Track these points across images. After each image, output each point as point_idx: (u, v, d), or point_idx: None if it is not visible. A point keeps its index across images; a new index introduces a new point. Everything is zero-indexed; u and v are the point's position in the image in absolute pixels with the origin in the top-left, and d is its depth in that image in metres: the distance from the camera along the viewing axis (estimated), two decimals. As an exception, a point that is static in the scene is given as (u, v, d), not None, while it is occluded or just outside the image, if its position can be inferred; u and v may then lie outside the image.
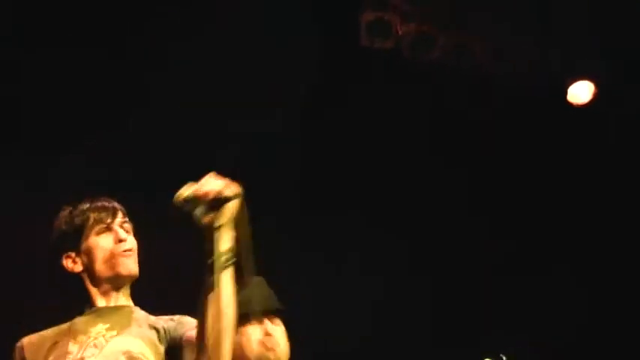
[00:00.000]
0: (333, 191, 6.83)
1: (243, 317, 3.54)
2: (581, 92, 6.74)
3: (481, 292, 7.10)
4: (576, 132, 6.93)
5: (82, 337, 3.20)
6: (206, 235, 2.98)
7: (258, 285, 3.79)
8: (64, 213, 3.33)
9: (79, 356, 3.15)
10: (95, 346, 3.17)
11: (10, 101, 5.76)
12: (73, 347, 3.18)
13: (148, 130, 6.07)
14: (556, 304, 7.10)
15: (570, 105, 6.77)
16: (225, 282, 2.99)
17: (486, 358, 4.00)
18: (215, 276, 2.96)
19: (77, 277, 3.28)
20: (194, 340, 3.09)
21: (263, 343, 3.71)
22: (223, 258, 2.98)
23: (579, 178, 7.11)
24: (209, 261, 2.97)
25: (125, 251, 3.28)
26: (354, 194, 6.88)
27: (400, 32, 6.35)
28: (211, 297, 2.98)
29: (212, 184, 3.00)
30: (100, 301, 3.27)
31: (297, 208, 6.65)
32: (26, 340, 3.26)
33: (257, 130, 6.26)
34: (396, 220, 6.96)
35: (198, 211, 2.99)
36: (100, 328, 3.22)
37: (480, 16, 6.45)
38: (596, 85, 6.71)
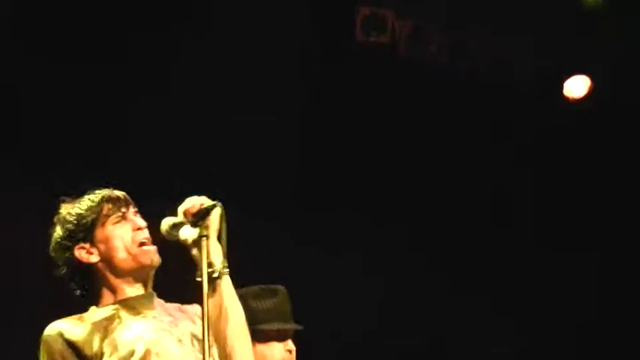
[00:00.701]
0: (333, 188, 6.83)
1: (269, 332, 3.80)
2: (576, 87, 6.77)
3: (481, 291, 7.10)
4: (574, 127, 6.95)
5: (133, 331, 3.12)
6: (197, 249, 3.08)
7: (284, 298, 3.91)
8: (68, 206, 3.29)
9: (154, 345, 3.09)
10: (164, 331, 3.15)
11: (10, 102, 5.77)
12: (138, 346, 3.09)
13: (147, 130, 6.07)
14: (556, 306, 7.11)
15: (566, 99, 6.80)
16: (227, 287, 3.09)
17: None
18: (215, 283, 3.05)
19: (91, 268, 3.22)
20: None
21: None
22: (220, 265, 3.08)
23: (579, 173, 7.12)
24: (209, 270, 3.02)
25: (145, 239, 3.25)
26: (353, 192, 6.88)
27: (396, 28, 6.34)
28: (215, 303, 3.04)
29: (193, 199, 3.13)
30: (130, 290, 3.22)
31: (297, 206, 6.64)
32: (65, 326, 3.11)
33: (257, 127, 6.27)
34: (396, 219, 6.95)
35: (184, 231, 3.13)
36: (145, 316, 3.18)
37: (476, 12, 6.45)
38: (593, 81, 6.72)
